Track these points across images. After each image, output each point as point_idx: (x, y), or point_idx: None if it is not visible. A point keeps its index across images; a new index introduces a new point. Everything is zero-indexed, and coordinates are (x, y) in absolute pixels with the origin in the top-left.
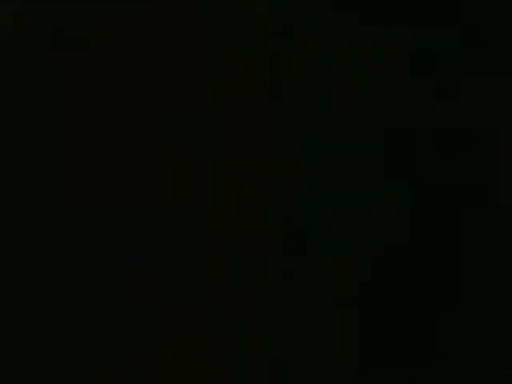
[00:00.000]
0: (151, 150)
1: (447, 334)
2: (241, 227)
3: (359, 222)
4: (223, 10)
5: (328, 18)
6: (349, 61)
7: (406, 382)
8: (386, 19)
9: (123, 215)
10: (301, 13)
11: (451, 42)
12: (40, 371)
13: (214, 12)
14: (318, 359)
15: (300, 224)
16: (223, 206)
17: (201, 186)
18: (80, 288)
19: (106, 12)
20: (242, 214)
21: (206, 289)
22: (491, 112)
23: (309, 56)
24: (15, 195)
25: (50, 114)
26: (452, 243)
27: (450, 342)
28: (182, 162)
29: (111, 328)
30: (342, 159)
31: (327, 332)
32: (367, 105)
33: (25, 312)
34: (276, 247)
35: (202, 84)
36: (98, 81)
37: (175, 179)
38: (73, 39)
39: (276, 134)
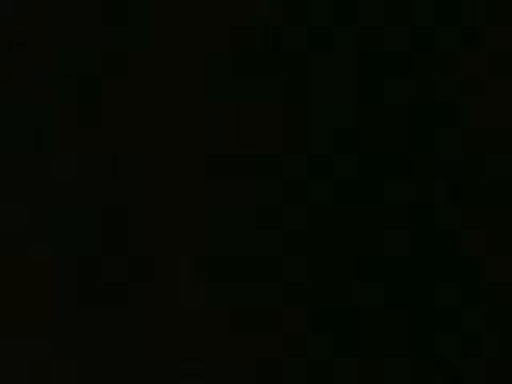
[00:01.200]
0: (151, 150)
1: (447, 334)
2: (239, 227)
3: (358, 222)
4: (223, 10)
5: (328, 17)
6: (349, 61)
7: (405, 381)
8: (386, 19)
9: (123, 211)
10: (300, 13)
11: (451, 42)
12: (40, 371)
13: (214, 12)
14: (318, 359)
15: (300, 224)
16: (222, 206)
17: (200, 185)
18: (80, 288)
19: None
20: (239, 213)
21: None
22: (492, 112)
23: (309, 56)
24: (15, 195)
25: (49, 113)
26: (452, 243)
27: (450, 342)
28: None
29: (111, 328)
30: (340, 159)
31: (327, 332)
32: (367, 104)
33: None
34: (276, 247)
35: (201, 84)
36: (98, 81)
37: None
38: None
39: (276, 133)
